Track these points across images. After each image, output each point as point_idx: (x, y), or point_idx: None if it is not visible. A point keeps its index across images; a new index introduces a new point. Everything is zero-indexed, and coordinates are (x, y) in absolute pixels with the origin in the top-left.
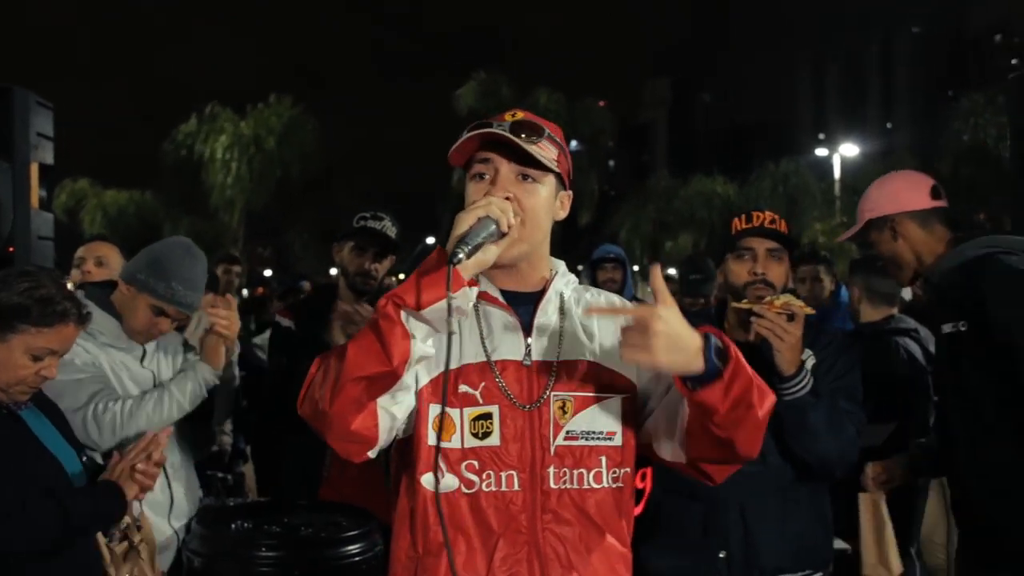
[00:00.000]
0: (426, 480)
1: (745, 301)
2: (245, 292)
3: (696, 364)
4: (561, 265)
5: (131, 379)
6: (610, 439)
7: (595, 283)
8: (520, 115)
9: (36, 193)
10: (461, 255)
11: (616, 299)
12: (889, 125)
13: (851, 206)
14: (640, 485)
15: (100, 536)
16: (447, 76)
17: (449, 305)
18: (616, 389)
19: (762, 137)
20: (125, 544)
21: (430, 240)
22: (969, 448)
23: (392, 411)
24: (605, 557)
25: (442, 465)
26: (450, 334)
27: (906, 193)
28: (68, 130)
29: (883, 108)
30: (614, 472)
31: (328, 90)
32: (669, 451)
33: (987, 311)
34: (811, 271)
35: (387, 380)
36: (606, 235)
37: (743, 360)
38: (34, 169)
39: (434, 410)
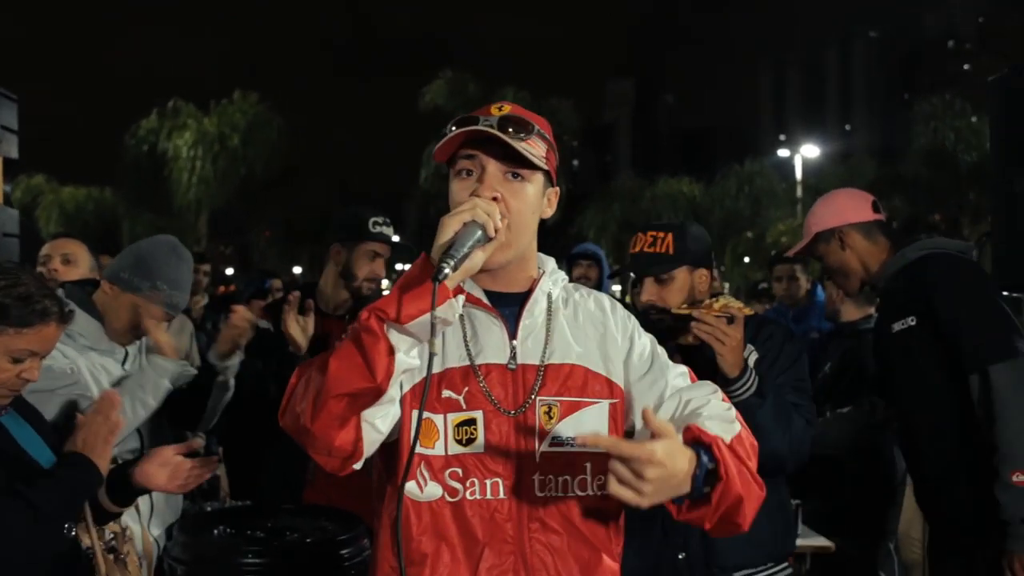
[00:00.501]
0: (410, 489)
1: (684, 306)
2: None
3: (684, 489)
4: (550, 263)
5: (112, 384)
6: (596, 446)
7: (570, 279)
8: (507, 108)
9: (0, 188)
10: (447, 270)
11: (606, 300)
12: (848, 127)
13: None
14: None
15: (97, 545)
16: (407, 77)
17: (433, 324)
18: (604, 394)
19: (724, 138)
20: (112, 556)
21: (395, 238)
22: (926, 437)
23: (376, 424)
24: (592, 568)
25: (425, 473)
26: (431, 355)
27: (850, 207)
28: (24, 126)
29: (842, 110)
30: (599, 479)
31: (286, 89)
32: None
33: (934, 306)
34: (787, 270)
35: (371, 395)
36: (572, 235)
37: (733, 473)
38: None
39: (417, 416)
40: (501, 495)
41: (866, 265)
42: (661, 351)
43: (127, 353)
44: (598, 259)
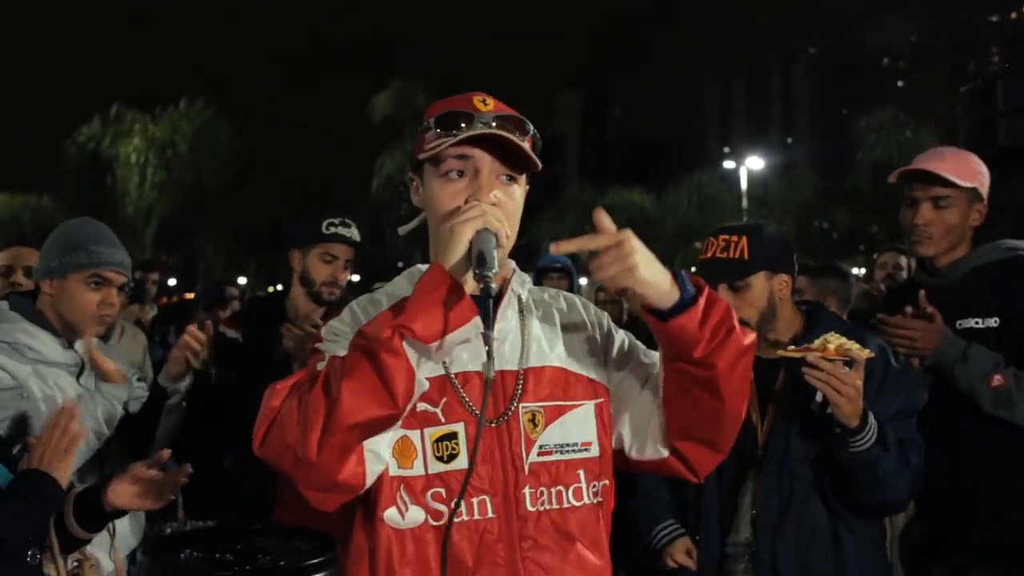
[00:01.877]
0: (389, 516)
1: (792, 348)
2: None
3: (672, 292)
4: (511, 263)
5: (65, 401)
6: (586, 450)
7: None
8: (491, 102)
9: None
10: (494, 285)
11: (576, 299)
12: (790, 140)
13: (759, 215)
14: None
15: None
16: (356, 85)
17: (489, 347)
18: (588, 395)
19: (671, 151)
20: None
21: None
22: (980, 438)
23: (379, 452)
24: (590, 572)
25: (405, 496)
26: (488, 380)
27: (987, 185)
28: None
29: (784, 124)
30: (594, 486)
31: (233, 97)
32: (649, 448)
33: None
34: None
35: (386, 423)
36: (525, 247)
37: (714, 292)
38: None
39: (393, 435)
40: (490, 514)
41: (957, 244)
42: (639, 343)
43: (83, 365)
44: (567, 270)
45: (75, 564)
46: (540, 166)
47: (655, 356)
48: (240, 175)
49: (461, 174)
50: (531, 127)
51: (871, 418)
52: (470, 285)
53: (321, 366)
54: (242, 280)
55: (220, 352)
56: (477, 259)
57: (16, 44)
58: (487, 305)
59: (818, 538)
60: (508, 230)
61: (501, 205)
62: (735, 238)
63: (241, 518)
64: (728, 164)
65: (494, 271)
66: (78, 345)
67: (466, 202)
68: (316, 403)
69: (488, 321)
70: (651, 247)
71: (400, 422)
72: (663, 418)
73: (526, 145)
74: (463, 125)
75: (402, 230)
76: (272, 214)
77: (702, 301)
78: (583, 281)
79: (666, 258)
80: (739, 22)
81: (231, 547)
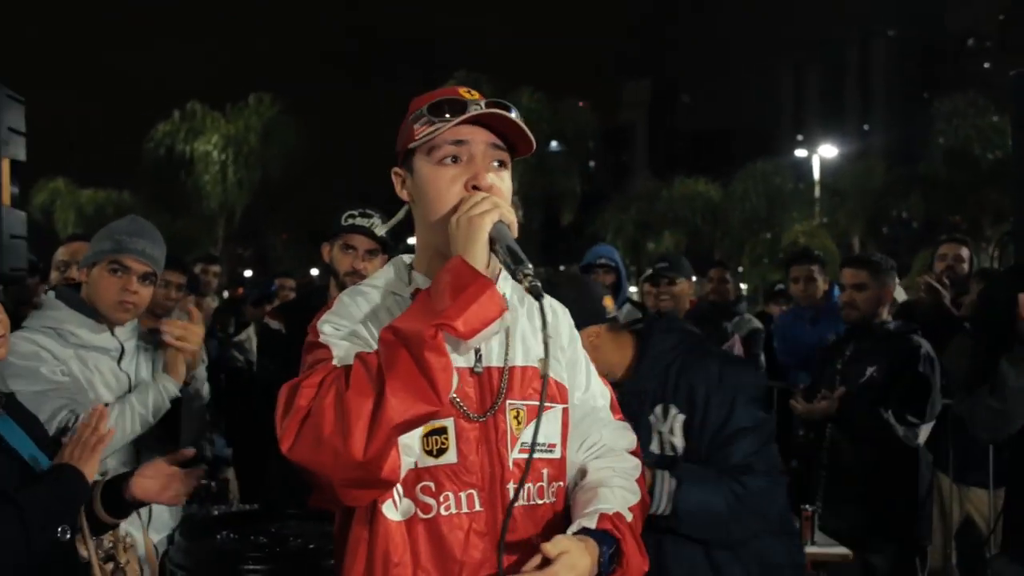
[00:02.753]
0: (386, 509)
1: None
2: (226, 293)
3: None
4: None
5: (104, 384)
6: (551, 451)
7: None
8: (476, 94)
9: (7, 190)
10: (538, 282)
11: (556, 303)
12: (866, 127)
13: (831, 206)
14: None
15: (94, 555)
16: (417, 79)
17: (546, 341)
18: (558, 398)
19: (741, 139)
20: (111, 565)
21: (412, 240)
22: None
23: (412, 445)
24: None
25: (399, 490)
26: (544, 376)
27: None
28: (42, 131)
29: (860, 110)
30: (553, 486)
31: (295, 94)
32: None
33: None
34: (804, 271)
35: (429, 419)
36: (588, 236)
37: (633, 549)
38: (5, 165)
39: (419, 429)
40: (478, 507)
41: None
42: (593, 369)
43: (123, 350)
44: (613, 266)
45: (110, 545)
46: (534, 147)
47: (599, 390)
48: (309, 169)
49: (455, 160)
50: (517, 112)
51: (657, 487)
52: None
53: (336, 361)
54: (314, 271)
55: (263, 342)
56: (511, 257)
57: (90, 48)
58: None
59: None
60: (516, 220)
61: (496, 191)
62: None
63: (281, 503)
64: (800, 152)
65: (531, 267)
66: (120, 331)
67: (466, 187)
68: (358, 402)
69: (542, 318)
70: (719, 238)
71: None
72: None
73: (524, 126)
74: (457, 111)
75: (382, 229)
76: (340, 207)
77: None
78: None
79: (734, 248)
80: (814, 4)
81: (266, 530)
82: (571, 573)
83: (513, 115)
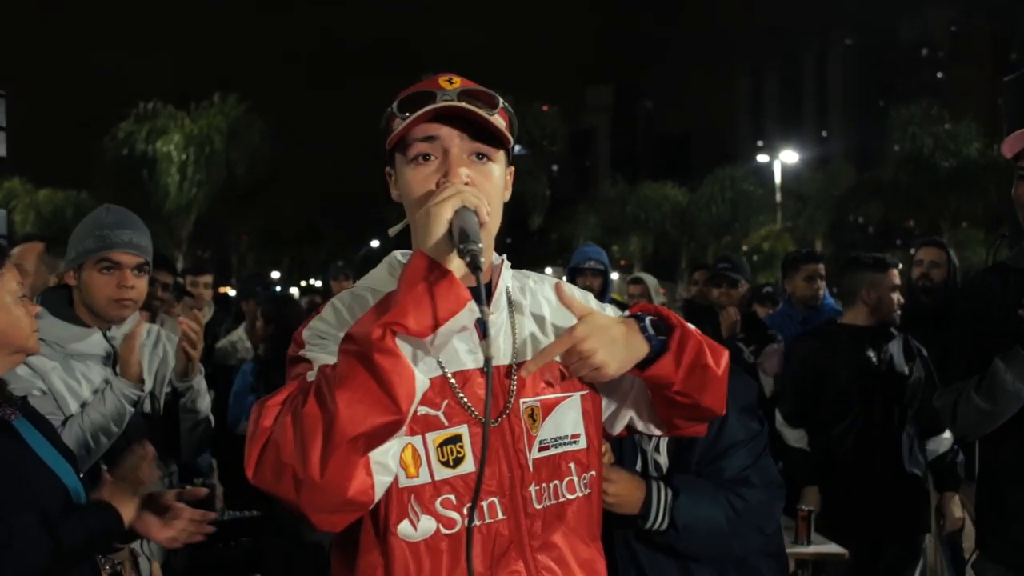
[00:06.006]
0: (403, 530)
1: None
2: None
3: (642, 348)
4: (503, 257)
5: (92, 391)
6: (575, 442)
7: None
8: (457, 81)
9: None
10: (482, 258)
11: (577, 292)
12: (824, 133)
13: (793, 211)
14: None
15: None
16: (379, 83)
17: (485, 325)
18: (576, 386)
19: (703, 143)
20: None
21: (374, 243)
22: None
23: (387, 462)
24: (592, 565)
25: (416, 507)
26: (489, 359)
27: None
28: None
29: (818, 117)
30: (584, 478)
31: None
32: (653, 428)
33: None
34: (813, 269)
35: (391, 431)
36: (554, 240)
37: (687, 325)
38: None
39: (395, 444)
40: (500, 515)
41: None
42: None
43: (113, 352)
44: (601, 270)
45: (118, 563)
46: (511, 140)
47: None
48: (273, 171)
49: (428, 157)
50: (501, 101)
51: (654, 500)
52: (458, 271)
53: (311, 376)
54: (275, 274)
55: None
56: (460, 236)
57: (54, 44)
58: (479, 290)
59: None
60: (488, 207)
61: (475, 184)
62: None
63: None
64: (762, 158)
65: (479, 244)
66: (115, 332)
67: (438, 184)
68: (312, 418)
69: (488, 295)
70: (685, 241)
71: (406, 428)
72: (652, 411)
73: (494, 118)
74: (423, 104)
75: (392, 231)
76: (303, 210)
77: (674, 345)
78: (614, 276)
79: (699, 251)
80: (771, 13)
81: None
82: (602, 335)
83: (481, 110)
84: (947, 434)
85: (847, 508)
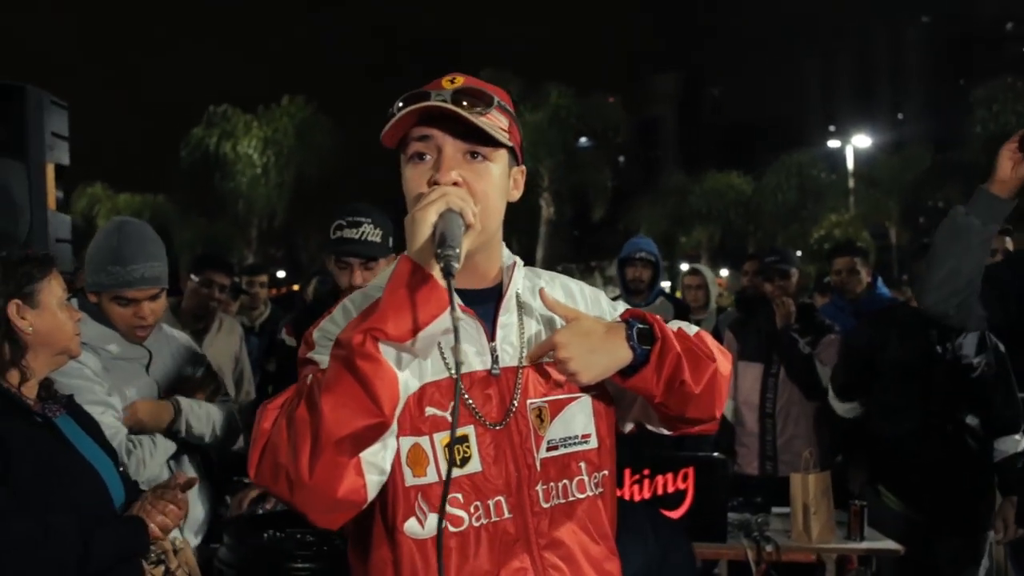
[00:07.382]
0: (409, 527)
1: None
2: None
3: (625, 357)
4: (516, 258)
5: (139, 395)
6: (586, 442)
7: (624, 281)
8: (460, 80)
9: (53, 195)
10: (456, 264)
11: (572, 284)
12: (900, 116)
13: (866, 198)
14: (682, 486)
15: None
16: (432, 78)
17: (456, 328)
18: (584, 386)
19: (772, 130)
20: (162, 567)
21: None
22: None
23: (378, 463)
24: (602, 562)
25: (423, 505)
26: (459, 364)
27: None
28: (79, 136)
29: (893, 99)
30: (595, 477)
31: (325, 96)
32: (655, 427)
33: None
34: (847, 263)
35: (376, 433)
36: (620, 231)
37: (671, 336)
38: (50, 170)
39: (405, 443)
40: (507, 513)
41: None
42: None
43: (151, 356)
44: (652, 261)
45: (161, 552)
46: (506, 141)
47: None
48: (342, 169)
49: (423, 157)
50: (498, 100)
51: None
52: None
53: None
54: None
55: (280, 360)
56: (439, 240)
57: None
58: (452, 294)
59: None
60: (475, 208)
61: (468, 184)
62: None
63: None
64: (833, 143)
65: (455, 250)
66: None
67: (429, 184)
68: (302, 422)
69: (451, 301)
70: (752, 231)
71: (395, 428)
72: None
73: (484, 120)
74: (413, 103)
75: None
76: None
77: (653, 359)
78: (684, 266)
79: (767, 241)
80: None
81: (311, 528)
82: (581, 342)
83: (468, 111)
84: (1018, 435)
85: (903, 490)
